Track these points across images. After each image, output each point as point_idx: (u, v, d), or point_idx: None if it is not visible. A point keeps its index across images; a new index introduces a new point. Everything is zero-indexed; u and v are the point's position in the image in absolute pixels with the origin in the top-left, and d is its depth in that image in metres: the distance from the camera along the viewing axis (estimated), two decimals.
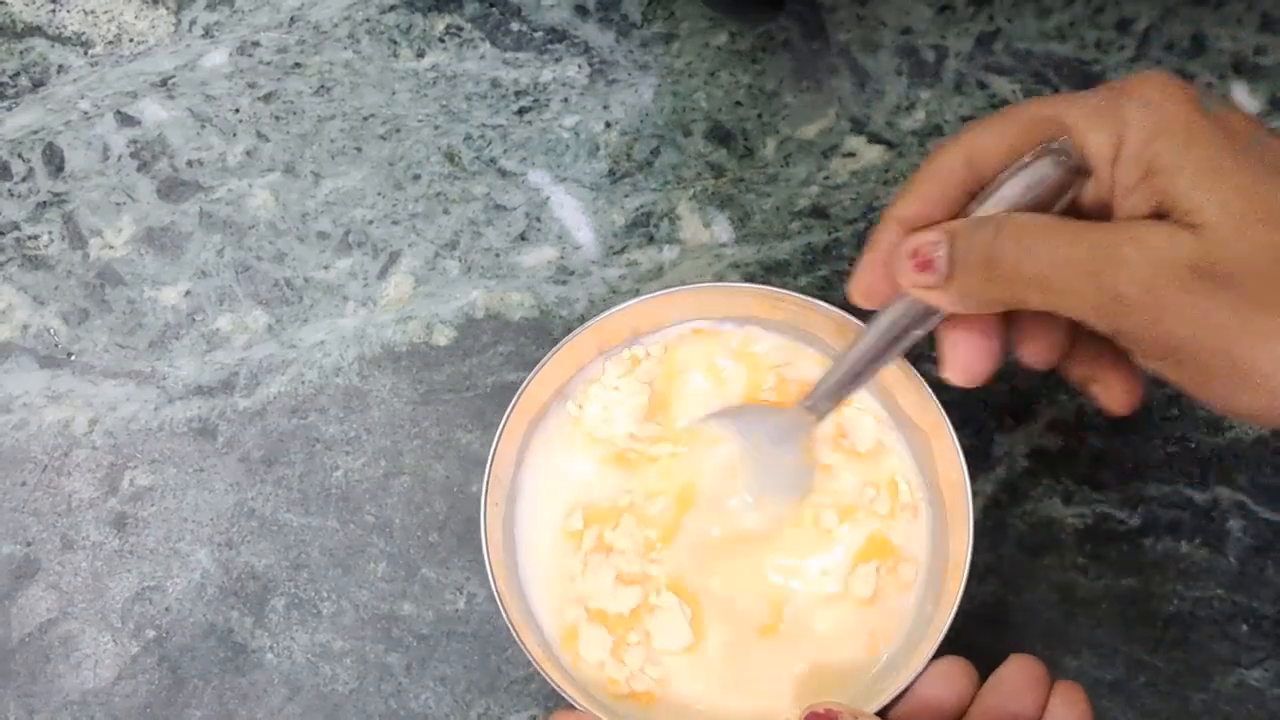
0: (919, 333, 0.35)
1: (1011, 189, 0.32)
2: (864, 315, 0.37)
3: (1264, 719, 0.41)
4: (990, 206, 0.32)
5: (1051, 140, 0.31)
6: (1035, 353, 0.34)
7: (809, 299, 0.40)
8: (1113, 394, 0.34)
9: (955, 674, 0.36)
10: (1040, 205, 0.32)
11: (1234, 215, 0.27)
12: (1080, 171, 0.31)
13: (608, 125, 0.51)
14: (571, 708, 0.36)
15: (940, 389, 0.38)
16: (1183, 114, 0.29)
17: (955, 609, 0.36)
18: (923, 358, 0.39)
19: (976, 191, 0.33)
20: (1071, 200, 0.32)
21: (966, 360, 0.34)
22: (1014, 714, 0.34)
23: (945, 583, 0.38)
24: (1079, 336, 0.34)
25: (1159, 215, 0.29)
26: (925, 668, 0.35)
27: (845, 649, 0.39)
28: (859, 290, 0.35)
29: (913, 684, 0.35)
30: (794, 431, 0.40)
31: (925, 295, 0.33)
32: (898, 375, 0.39)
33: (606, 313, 0.41)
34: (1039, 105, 0.32)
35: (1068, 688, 0.35)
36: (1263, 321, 0.27)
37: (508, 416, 0.40)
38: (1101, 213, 0.31)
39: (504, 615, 0.37)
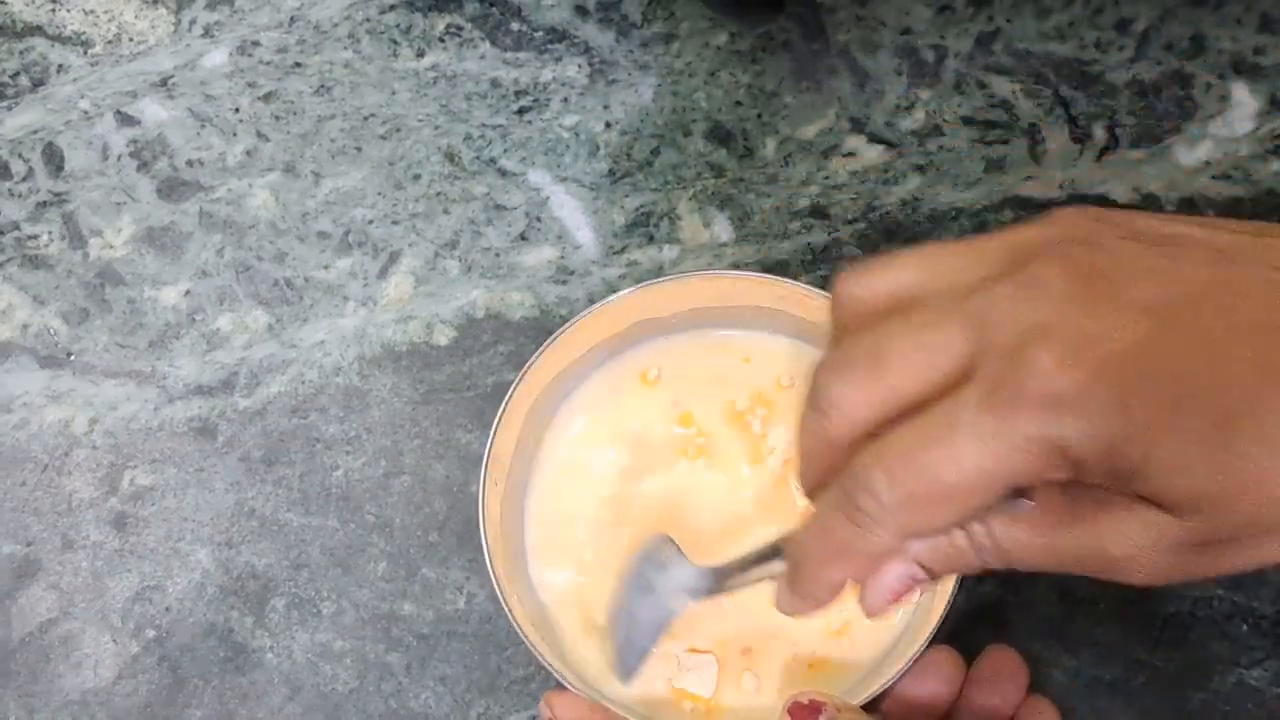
0: None
1: None
2: None
3: (1263, 718, 0.41)
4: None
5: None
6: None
7: (810, 288, 0.40)
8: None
9: (944, 664, 0.36)
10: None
11: (1229, 499, 0.24)
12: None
13: (608, 125, 0.51)
14: (564, 689, 0.37)
15: None
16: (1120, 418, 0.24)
17: (949, 604, 0.36)
18: None
19: None
20: None
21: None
22: (995, 707, 0.35)
23: (941, 579, 0.38)
24: None
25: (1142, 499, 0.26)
26: (914, 661, 0.35)
27: (835, 644, 0.39)
28: (791, 611, 0.31)
29: (901, 677, 0.35)
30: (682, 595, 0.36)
31: (904, 601, 0.30)
32: None
33: (614, 296, 0.41)
34: (967, 477, 0.25)
35: (1037, 701, 0.35)
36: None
37: (507, 402, 0.40)
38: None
39: (493, 578, 0.37)
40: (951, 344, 0.26)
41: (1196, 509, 0.24)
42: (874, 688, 0.36)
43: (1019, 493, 0.27)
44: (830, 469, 0.28)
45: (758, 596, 0.38)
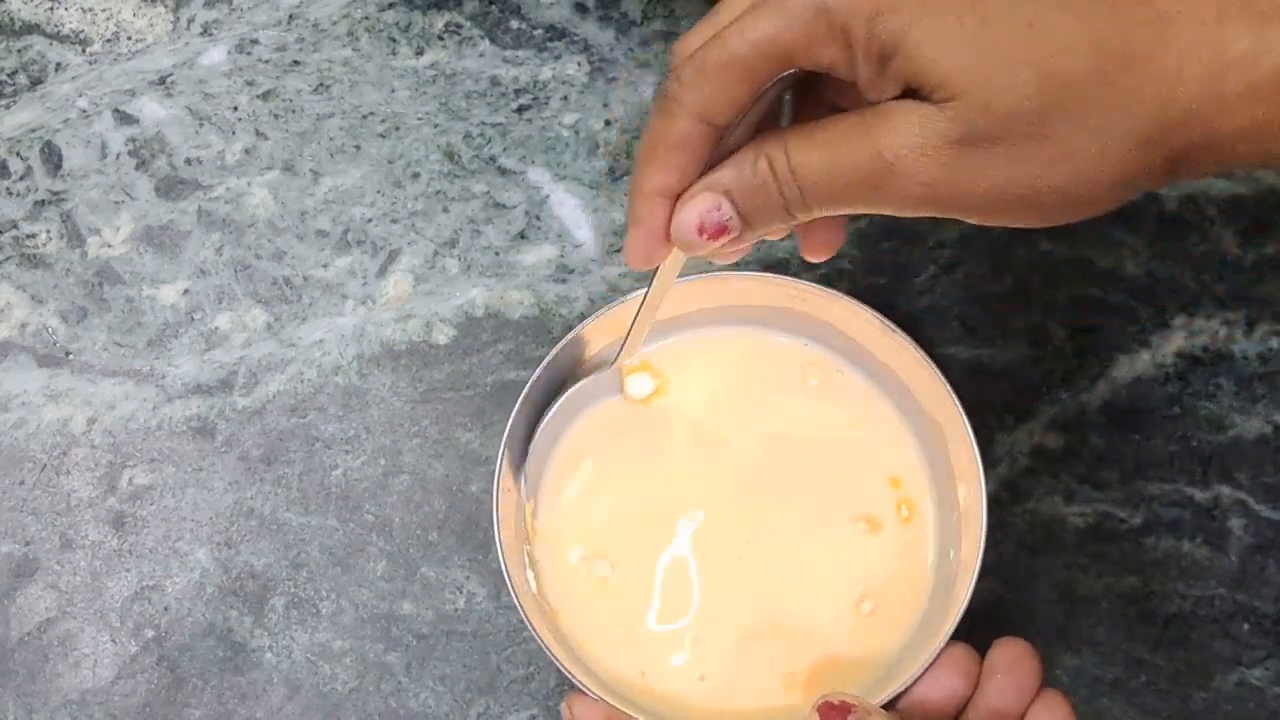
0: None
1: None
2: (862, 302, 0.37)
3: (1265, 718, 0.41)
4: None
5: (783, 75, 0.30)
6: (815, 250, 0.35)
7: (814, 285, 0.40)
8: (813, 243, 0.35)
9: (961, 660, 0.36)
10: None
11: (983, 77, 0.26)
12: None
13: (608, 123, 0.51)
14: (584, 694, 0.36)
15: (955, 389, 0.38)
16: None
17: (965, 606, 0.36)
18: (936, 355, 0.38)
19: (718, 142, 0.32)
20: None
21: (824, 240, 0.35)
22: (1009, 699, 0.35)
23: (955, 581, 0.38)
24: None
25: (910, 94, 0.28)
26: (932, 663, 0.35)
27: (853, 645, 0.39)
28: (638, 260, 0.34)
29: (919, 679, 0.35)
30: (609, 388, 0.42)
31: (728, 251, 0.33)
32: (919, 377, 0.39)
33: (621, 300, 0.41)
34: (752, 44, 0.29)
35: (1051, 695, 0.35)
36: (1045, 150, 0.27)
37: (521, 401, 0.40)
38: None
39: (512, 591, 0.37)
40: None
41: (955, 93, 0.27)
42: (894, 686, 0.35)
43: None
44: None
45: (777, 592, 0.38)
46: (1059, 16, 0.26)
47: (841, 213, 0.30)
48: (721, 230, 0.31)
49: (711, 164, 0.31)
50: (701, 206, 0.31)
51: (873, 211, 0.29)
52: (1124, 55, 0.26)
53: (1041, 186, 0.27)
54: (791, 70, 0.29)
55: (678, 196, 0.32)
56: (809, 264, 0.48)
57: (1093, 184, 0.28)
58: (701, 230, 0.31)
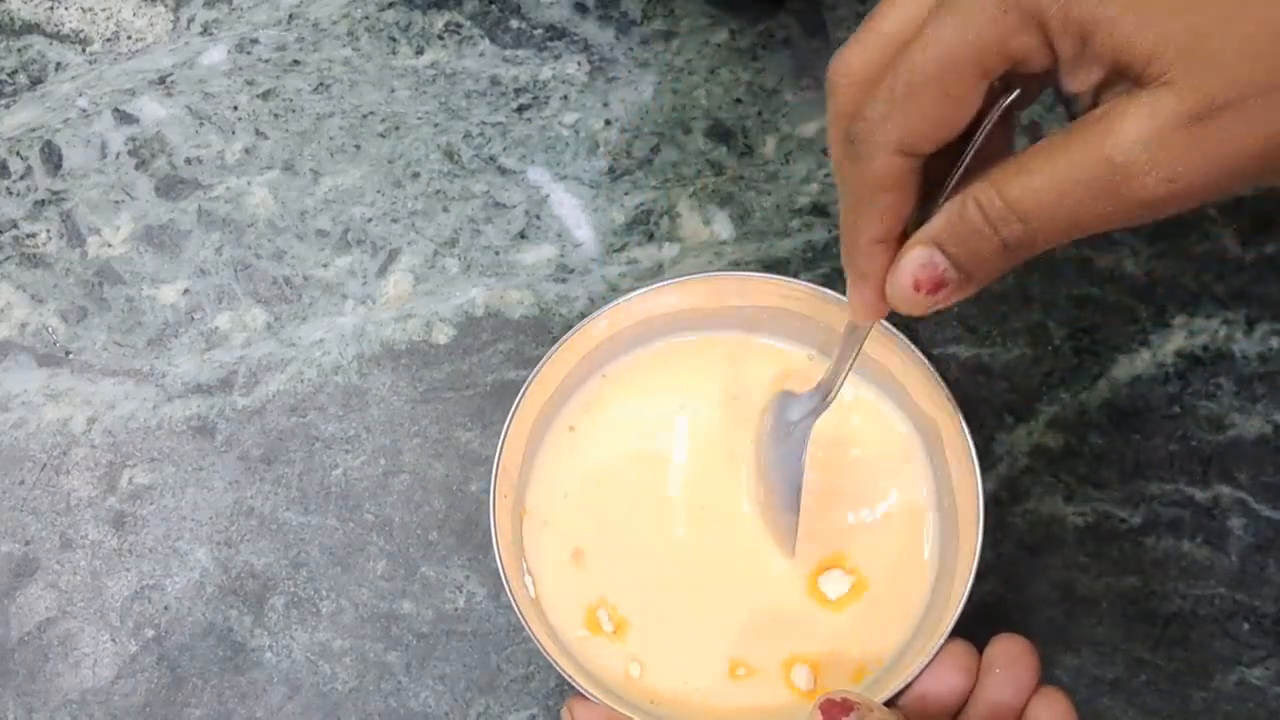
0: None
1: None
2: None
3: (1265, 717, 0.41)
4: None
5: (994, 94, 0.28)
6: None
7: (813, 286, 0.40)
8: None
9: (961, 656, 0.36)
10: (1001, 146, 0.30)
11: (1198, 38, 0.24)
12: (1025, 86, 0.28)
13: (607, 123, 0.51)
14: (584, 697, 0.36)
15: (951, 387, 0.38)
16: None
17: (963, 603, 0.36)
18: (936, 355, 0.38)
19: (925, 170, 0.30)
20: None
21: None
22: (1009, 695, 0.35)
23: (954, 579, 0.38)
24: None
25: (1118, 77, 0.26)
26: (932, 659, 0.35)
27: (854, 643, 0.39)
28: (868, 315, 0.33)
29: (919, 675, 0.35)
30: (807, 418, 0.39)
31: (948, 302, 0.30)
32: (914, 374, 0.39)
33: (620, 299, 0.41)
34: (942, 58, 0.27)
35: (1051, 692, 0.35)
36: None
37: (517, 405, 0.40)
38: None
39: (514, 605, 0.37)
40: None
41: (1170, 63, 0.24)
42: (895, 683, 0.36)
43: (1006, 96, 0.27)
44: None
45: (778, 595, 0.38)
46: None
47: (1073, 239, 0.27)
48: (939, 284, 0.29)
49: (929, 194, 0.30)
50: (915, 263, 0.29)
51: (1109, 229, 0.27)
52: None
53: None
54: (992, 80, 0.27)
55: (898, 239, 0.30)
56: (808, 264, 0.48)
57: None
58: (918, 287, 0.29)
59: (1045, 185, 0.26)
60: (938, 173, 0.29)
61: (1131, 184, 0.25)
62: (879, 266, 0.30)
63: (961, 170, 0.29)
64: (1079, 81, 0.26)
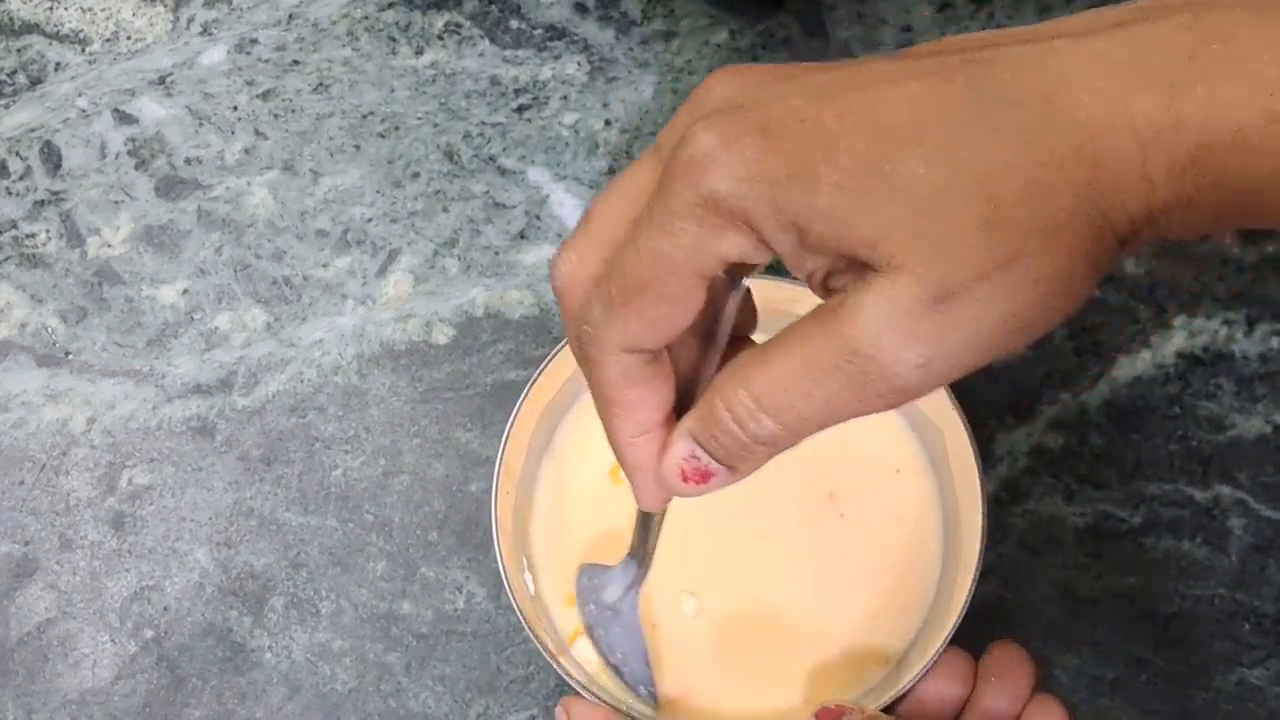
0: None
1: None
2: None
3: (1265, 717, 0.41)
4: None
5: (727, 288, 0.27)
6: None
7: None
8: None
9: (959, 664, 0.36)
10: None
11: (924, 229, 0.23)
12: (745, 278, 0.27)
13: (607, 123, 0.51)
14: (580, 696, 0.37)
15: (955, 389, 0.38)
16: (762, 155, 0.24)
17: (965, 607, 0.36)
18: None
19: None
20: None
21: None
22: (1004, 703, 0.35)
23: (956, 581, 0.38)
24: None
25: (844, 263, 0.25)
26: (930, 666, 0.36)
27: (856, 647, 0.39)
28: (654, 504, 0.31)
29: (918, 681, 0.36)
30: (631, 590, 0.39)
31: (724, 486, 0.29)
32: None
33: None
34: (653, 265, 0.25)
35: (1046, 699, 0.35)
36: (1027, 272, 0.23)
37: (521, 401, 0.40)
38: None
39: (513, 603, 0.37)
40: (641, 175, 0.26)
41: (900, 246, 0.23)
42: (893, 690, 0.36)
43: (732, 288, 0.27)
44: None
45: (777, 594, 0.38)
46: (946, 145, 0.23)
47: (830, 426, 0.26)
48: (706, 475, 0.28)
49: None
50: (678, 456, 0.28)
51: (865, 414, 0.25)
52: (1050, 161, 0.23)
53: (1029, 308, 0.24)
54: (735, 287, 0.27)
55: (667, 422, 0.29)
56: None
57: (1069, 280, 0.24)
58: (686, 479, 0.28)
59: (791, 379, 0.25)
60: (698, 349, 0.28)
61: (884, 371, 0.24)
62: (647, 457, 0.29)
63: (718, 358, 0.28)
64: (805, 270, 0.26)
